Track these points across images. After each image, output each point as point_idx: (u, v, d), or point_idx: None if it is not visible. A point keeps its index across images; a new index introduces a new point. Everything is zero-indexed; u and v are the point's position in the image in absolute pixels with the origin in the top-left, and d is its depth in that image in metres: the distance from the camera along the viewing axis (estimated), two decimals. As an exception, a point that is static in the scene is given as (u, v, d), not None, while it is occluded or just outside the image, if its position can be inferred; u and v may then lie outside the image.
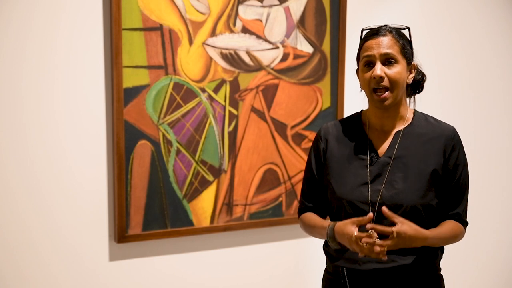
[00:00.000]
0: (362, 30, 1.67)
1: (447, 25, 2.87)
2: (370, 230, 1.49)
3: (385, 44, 1.58)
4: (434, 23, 2.79)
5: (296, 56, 2.44)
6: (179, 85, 2.24)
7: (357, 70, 1.68)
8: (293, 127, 2.47)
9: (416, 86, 1.73)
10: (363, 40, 1.65)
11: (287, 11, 2.40)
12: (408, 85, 1.68)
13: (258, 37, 2.36)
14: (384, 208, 1.51)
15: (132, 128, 2.17)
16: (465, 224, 1.68)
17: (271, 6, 2.37)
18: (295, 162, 2.49)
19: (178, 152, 2.26)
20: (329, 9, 2.49)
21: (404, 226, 1.49)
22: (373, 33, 1.62)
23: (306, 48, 2.46)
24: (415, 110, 1.71)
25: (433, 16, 2.81)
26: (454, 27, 2.90)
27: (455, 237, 1.64)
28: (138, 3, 2.13)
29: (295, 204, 2.50)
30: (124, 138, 2.15)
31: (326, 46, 2.50)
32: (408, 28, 1.66)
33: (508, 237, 3.19)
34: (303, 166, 2.50)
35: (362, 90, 1.67)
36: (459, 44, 2.92)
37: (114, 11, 2.08)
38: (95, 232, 2.19)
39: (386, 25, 1.63)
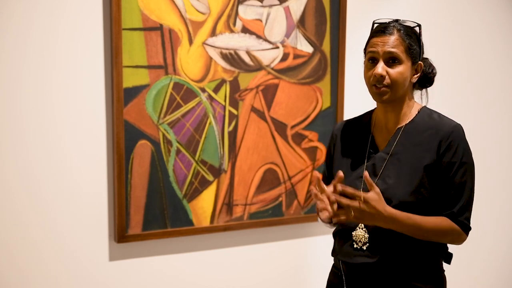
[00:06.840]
0: (373, 22, 1.67)
1: (448, 25, 2.87)
2: (338, 191, 1.49)
3: (390, 43, 1.59)
4: (434, 23, 2.79)
5: (296, 56, 2.44)
6: (179, 85, 2.24)
7: (364, 61, 1.69)
8: (293, 127, 2.47)
9: (426, 80, 1.72)
10: (371, 35, 1.66)
11: (287, 11, 2.40)
12: (416, 81, 1.68)
13: (258, 37, 2.36)
14: (365, 174, 1.50)
15: (132, 128, 2.17)
16: (462, 225, 1.60)
17: (271, 6, 2.37)
18: (295, 162, 2.48)
19: (178, 152, 2.26)
20: (329, 9, 2.49)
21: (374, 196, 1.49)
22: (380, 29, 1.62)
23: (306, 48, 2.46)
24: (424, 106, 1.69)
25: (434, 16, 2.81)
26: (455, 27, 2.90)
27: (442, 234, 1.58)
28: (138, 3, 2.13)
29: (295, 204, 2.50)
30: (124, 138, 2.15)
31: (326, 46, 2.50)
32: (419, 26, 1.65)
33: (508, 237, 3.19)
34: (303, 166, 2.50)
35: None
36: (459, 43, 2.92)
37: (114, 11, 2.08)
38: (95, 232, 2.18)
39: (397, 21, 1.63)
